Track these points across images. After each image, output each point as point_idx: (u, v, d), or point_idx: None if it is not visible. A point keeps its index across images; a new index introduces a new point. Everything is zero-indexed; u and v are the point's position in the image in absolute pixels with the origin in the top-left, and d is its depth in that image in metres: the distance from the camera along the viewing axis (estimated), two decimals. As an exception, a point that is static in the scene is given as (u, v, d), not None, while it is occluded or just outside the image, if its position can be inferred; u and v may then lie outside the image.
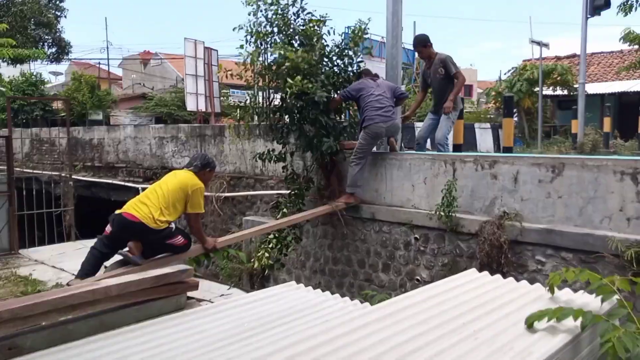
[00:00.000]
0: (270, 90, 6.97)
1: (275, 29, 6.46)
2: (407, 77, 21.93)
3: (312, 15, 6.59)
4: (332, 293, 3.48)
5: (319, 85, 6.27)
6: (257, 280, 7.82)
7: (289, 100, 6.26)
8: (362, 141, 6.29)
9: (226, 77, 6.89)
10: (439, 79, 6.66)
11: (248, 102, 6.91)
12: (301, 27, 6.47)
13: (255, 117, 7.13)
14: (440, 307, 2.77)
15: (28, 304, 2.77)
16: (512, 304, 2.87)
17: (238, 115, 6.83)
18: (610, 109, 15.63)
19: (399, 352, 2.29)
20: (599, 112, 18.04)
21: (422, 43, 6.78)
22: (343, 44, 6.85)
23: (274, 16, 6.41)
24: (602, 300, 2.68)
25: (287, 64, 6.12)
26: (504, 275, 3.71)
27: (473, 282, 3.24)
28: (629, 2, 12.87)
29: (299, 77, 6.03)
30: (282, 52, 6.09)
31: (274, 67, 6.46)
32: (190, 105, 17.05)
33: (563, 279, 2.81)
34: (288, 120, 6.76)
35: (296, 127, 6.63)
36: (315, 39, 6.46)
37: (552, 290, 2.91)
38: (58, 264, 5.87)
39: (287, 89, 6.08)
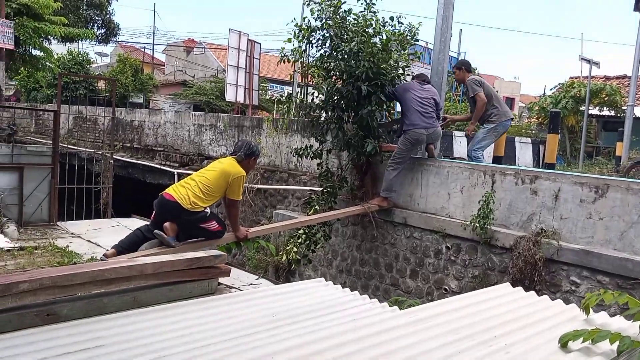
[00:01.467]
0: (311, 88, 6.99)
1: (329, 28, 6.44)
2: (449, 84, 21.69)
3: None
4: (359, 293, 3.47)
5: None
6: (282, 273, 7.86)
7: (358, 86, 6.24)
8: (401, 146, 6.24)
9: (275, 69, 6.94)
10: (470, 100, 6.85)
11: (291, 96, 6.93)
12: (352, 26, 6.45)
13: (293, 112, 7.17)
14: (472, 318, 2.74)
15: (68, 274, 2.86)
16: (546, 322, 2.81)
17: (280, 109, 6.88)
18: (658, 134, 15.10)
19: (428, 358, 2.26)
20: (645, 136, 17.45)
21: (457, 65, 7.07)
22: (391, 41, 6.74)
23: (329, 15, 6.41)
24: (640, 327, 2.59)
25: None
26: (537, 293, 3.63)
27: (506, 296, 3.18)
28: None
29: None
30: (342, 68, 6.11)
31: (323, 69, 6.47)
32: (230, 96, 17.24)
33: (599, 301, 2.73)
34: (328, 117, 6.76)
35: (335, 125, 6.62)
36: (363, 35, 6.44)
37: (587, 311, 2.83)
38: (94, 238, 6.02)
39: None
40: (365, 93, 6.21)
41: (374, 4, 6.55)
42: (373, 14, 6.51)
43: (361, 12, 6.52)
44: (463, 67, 6.87)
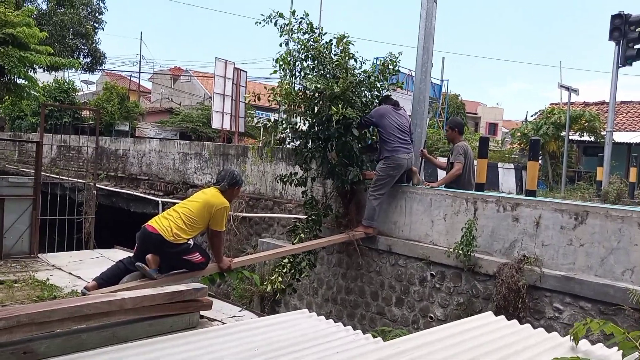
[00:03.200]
0: (295, 116, 7.03)
1: (310, 55, 6.53)
2: (432, 111, 22.04)
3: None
4: (343, 323, 3.45)
5: (357, 112, 6.34)
6: (267, 303, 7.79)
7: (331, 126, 6.25)
8: (381, 173, 6.25)
9: (254, 100, 6.99)
10: (449, 163, 6.85)
11: (273, 124, 7.00)
12: (333, 56, 6.56)
13: (279, 141, 7.22)
14: (456, 348, 2.73)
15: (45, 310, 2.81)
16: (528, 351, 2.82)
17: (262, 136, 6.95)
18: (637, 159, 15.41)
19: (410, 391, 2.25)
20: (625, 161, 17.80)
21: (450, 125, 7.12)
22: (373, 77, 6.91)
23: (308, 44, 6.51)
24: (623, 356, 2.61)
25: (328, 92, 6.17)
26: (520, 321, 3.65)
27: (489, 325, 3.19)
28: (661, 55, 12.79)
29: (340, 105, 6.08)
30: (318, 85, 6.14)
31: (303, 94, 6.53)
32: (216, 123, 17.33)
33: (587, 329, 2.75)
34: (312, 146, 6.81)
35: (320, 154, 6.67)
36: (344, 69, 6.53)
37: (576, 341, 2.85)
38: (75, 271, 5.93)
39: (333, 115, 6.09)
40: (336, 135, 6.33)
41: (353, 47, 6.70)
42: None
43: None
44: (457, 128, 6.90)
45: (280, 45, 6.61)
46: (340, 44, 6.52)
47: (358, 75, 6.63)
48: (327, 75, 6.41)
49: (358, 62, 6.68)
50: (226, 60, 17.43)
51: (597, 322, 2.70)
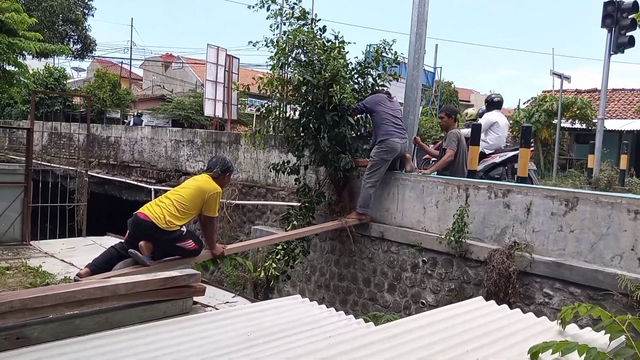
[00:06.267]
0: (289, 103, 7.01)
1: (301, 43, 6.50)
2: (425, 98, 22.02)
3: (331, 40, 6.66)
4: (336, 309, 3.48)
5: (352, 95, 6.34)
6: (261, 290, 7.82)
7: (326, 113, 6.23)
8: (375, 158, 6.28)
9: (245, 89, 6.99)
10: (442, 148, 6.84)
11: (264, 111, 6.97)
12: (325, 44, 6.53)
13: (271, 129, 7.21)
14: (446, 332, 2.77)
15: (38, 296, 2.81)
16: (518, 335, 2.85)
17: (254, 125, 6.92)
18: (628, 147, 15.49)
19: (401, 374, 2.28)
20: (616, 148, 17.89)
21: (445, 112, 7.01)
22: (365, 62, 6.91)
23: (300, 32, 6.47)
24: (610, 339, 2.66)
25: (317, 81, 6.15)
26: (511, 306, 3.69)
27: (479, 310, 3.22)
28: (654, 42, 12.81)
29: (338, 88, 6.04)
30: (307, 77, 6.12)
31: (293, 86, 6.51)
32: (208, 111, 17.23)
33: (575, 314, 2.79)
34: (305, 134, 6.80)
35: (312, 141, 6.67)
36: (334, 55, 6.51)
37: (563, 325, 2.89)
38: (67, 258, 5.92)
39: (333, 97, 6.05)
40: (331, 123, 6.31)
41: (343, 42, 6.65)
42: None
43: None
44: (452, 116, 6.86)
45: (271, 27, 6.59)
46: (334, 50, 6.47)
47: (348, 62, 6.63)
48: (316, 64, 6.35)
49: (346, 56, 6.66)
50: (218, 47, 17.29)
51: (585, 306, 2.73)
